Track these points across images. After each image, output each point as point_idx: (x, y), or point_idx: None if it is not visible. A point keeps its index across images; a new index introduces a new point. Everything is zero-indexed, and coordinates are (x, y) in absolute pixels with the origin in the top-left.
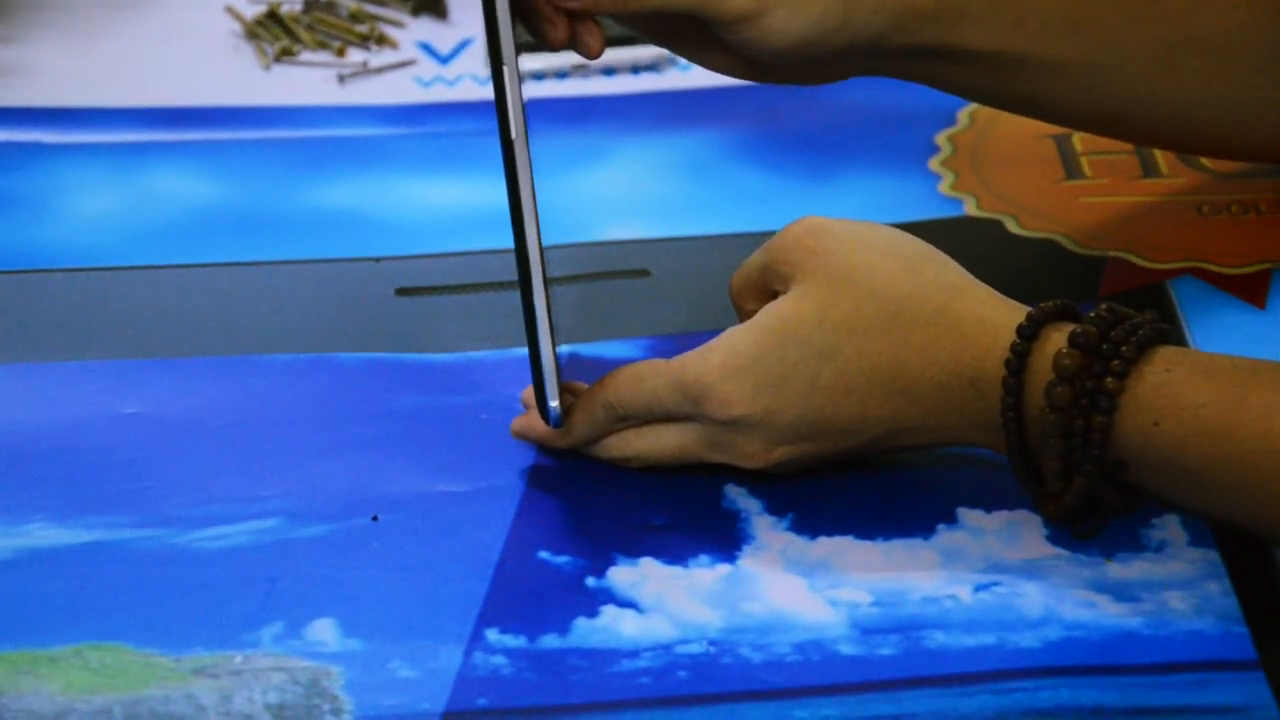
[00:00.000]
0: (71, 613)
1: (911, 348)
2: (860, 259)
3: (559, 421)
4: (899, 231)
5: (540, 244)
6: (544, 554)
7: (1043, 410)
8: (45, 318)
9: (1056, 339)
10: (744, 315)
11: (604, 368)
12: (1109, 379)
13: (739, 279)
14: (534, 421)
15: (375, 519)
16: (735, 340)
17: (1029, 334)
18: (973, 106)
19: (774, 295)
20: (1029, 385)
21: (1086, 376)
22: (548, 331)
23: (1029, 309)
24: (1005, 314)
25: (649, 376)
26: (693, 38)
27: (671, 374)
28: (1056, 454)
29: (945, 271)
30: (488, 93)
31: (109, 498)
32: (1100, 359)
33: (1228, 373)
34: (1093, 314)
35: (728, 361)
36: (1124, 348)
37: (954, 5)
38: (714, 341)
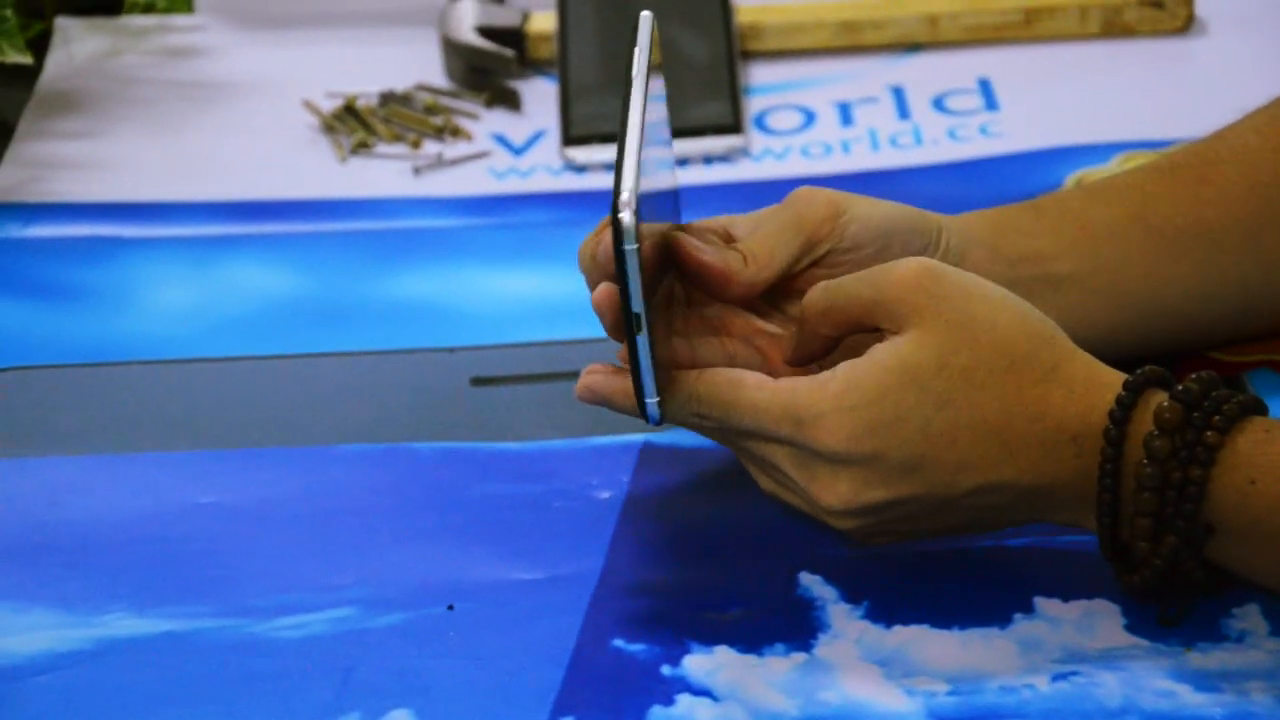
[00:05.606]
0: (150, 703)
1: (1022, 402)
2: (980, 310)
3: (659, 419)
4: (1004, 289)
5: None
6: (619, 642)
7: (1140, 465)
8: (124, 409)
9: (1160, 397)
10: (809, 338)
11: (670, 454)
12: (1209, 432)
13: (825, 302)
14: (608, 382)
15: (451, 608)
16: (855, 374)
17: (1135, 388)
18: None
19: (872, 330)
20: (1130, 438)
21: (1186, 430)
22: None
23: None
24: (1111, 376)
25: (752, 386)
26: None
27: (779, 391)
28: (1149, 510)
29: (1057, 333)
30: (560, 184)
31: (186, 587)
32: (1202, 413)
33: None
34: (1194, 376)
35: (846, 393)
36: (1225, 406)
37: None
38: (829, 372)
